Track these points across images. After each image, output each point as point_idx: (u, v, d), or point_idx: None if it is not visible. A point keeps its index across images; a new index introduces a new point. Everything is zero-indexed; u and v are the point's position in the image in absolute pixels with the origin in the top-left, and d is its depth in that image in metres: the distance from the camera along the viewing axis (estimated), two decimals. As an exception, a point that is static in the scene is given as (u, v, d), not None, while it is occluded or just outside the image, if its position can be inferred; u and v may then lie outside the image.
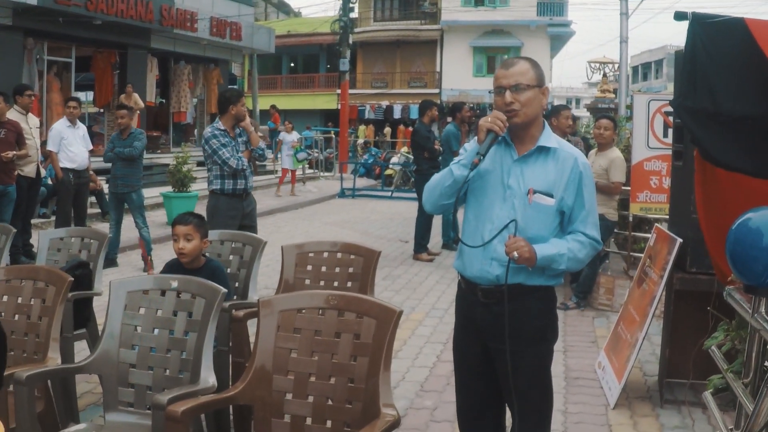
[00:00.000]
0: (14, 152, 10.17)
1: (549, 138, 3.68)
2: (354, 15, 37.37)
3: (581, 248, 3.64)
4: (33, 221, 12.11)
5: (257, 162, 8.28)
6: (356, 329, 3.46)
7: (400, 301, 9.43)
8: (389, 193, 23.06)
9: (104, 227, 12.50)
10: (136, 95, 20.01)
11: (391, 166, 26.15)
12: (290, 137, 22.65)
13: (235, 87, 18.77)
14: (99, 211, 15.29)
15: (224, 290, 3.91)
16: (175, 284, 4.03)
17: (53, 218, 13.15)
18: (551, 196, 3.60)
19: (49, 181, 13.34)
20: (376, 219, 17.62)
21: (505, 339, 3.55)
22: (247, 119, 8.14)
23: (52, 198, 14.07)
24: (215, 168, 7.84)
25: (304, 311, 3.59)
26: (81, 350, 6.33)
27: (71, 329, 5.60)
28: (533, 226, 3.60)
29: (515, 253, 3.47)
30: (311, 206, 20.44)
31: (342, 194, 22.76)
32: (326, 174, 29.04)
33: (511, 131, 3.67)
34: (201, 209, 14.61)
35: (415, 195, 14.40)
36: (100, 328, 6.43)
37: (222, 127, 7.85)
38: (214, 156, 7.74)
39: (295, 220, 17.29)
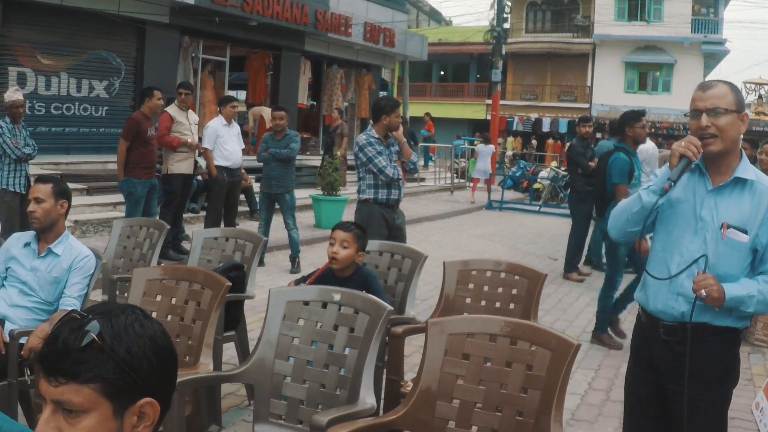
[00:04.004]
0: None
1: (747, 169, 3.40)
2: (506, 25, 36.97)
3: None
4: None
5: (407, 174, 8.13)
6: (529, 360, 3.23)
7: (550, 321, 9.10)
8: (537, 208, 22.58)
9: (252, 225, 12.60)
10: (263, 109, 20.24)
11: (539, 180, 25.67)
12: (486, 149, 23.44)
13: (389, 96, 18.77)
14: (248, 209, 15.42)
15: (390, 308, 3.70)
16: (337, 297, 3.85)
17: (202, 213, 13.29)
18: (745, 232, 3.33)
19: (199, 177, 13.47)
20: (524, 234, 17.21)
21: (683, 381, 3.32)
22: (400, 129, 7.94)
23: (201, 194, 14.23)
24: (369, 177, 7.67)
25: (474, 336, 3.36)
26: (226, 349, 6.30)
27: (221, 331, 5.54)
28: (724, 263, 3.35)
29: (703, 292, 3.23)
30: (459, 216, 20.19)
31: (489, 206, 22.42)
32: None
33: (707, 159, 3.41)
34: (349, 214, 14.63)
35: (563, 211, 13.96)
36: (248, 330, 6.41)
37: (376, 135, 7.68)
38: (370, 164, 7.57)
39: (442, 230, 17.09)
